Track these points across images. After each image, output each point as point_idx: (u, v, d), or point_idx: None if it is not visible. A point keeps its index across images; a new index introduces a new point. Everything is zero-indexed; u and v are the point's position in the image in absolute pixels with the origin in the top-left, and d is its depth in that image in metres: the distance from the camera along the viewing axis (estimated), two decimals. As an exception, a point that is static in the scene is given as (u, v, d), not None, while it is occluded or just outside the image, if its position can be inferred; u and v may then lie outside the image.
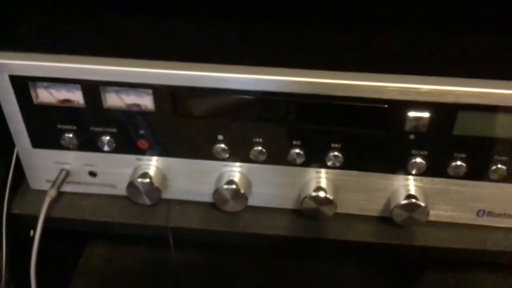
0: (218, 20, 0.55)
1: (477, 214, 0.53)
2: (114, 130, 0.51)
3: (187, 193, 0.56)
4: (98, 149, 0.53)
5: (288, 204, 0.56)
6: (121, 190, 0.55)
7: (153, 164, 0.54)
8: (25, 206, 0.56)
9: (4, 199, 0.55)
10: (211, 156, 0.52)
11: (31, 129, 0.52)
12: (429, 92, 0.45)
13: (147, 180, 0.53)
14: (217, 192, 0.53)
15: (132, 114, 0.50)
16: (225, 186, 0.52)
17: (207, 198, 0.55)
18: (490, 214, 0.53)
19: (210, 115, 0.49)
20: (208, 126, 0.50)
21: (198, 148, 0.52)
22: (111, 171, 0.55)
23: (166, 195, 0.55)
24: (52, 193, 0.53)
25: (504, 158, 0.48)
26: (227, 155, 0.52)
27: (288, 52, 0.51)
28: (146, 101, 0.49)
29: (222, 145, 0.51)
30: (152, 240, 0.61)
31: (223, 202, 0.53)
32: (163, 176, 0.54)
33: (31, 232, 0.63)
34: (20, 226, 0.57)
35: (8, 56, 0.48)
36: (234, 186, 0.52)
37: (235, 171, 0.53)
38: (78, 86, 0.48)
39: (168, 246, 0.56)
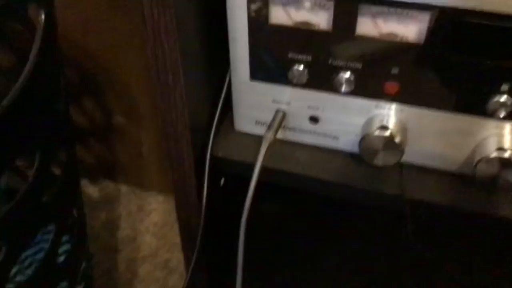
0: None
1: None
2: (359, 65, 0.40)
3: (430, 158, 0.44)
4: (331, 88, 0.42)
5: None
6: (344, 144, 0.46)
7: (395, 115, 0.42)
8: (231, 150, 0.48)
9: (209, 140, 0.47)
10: (484, 112, 0.39)
11: (254, 56, 0.43)
12: None
13: (387, 134, 0.41)
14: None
15: (387, 47, 0.39)
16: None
17: (455, 167, 0.43)
18: None
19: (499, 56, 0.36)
20: (491, 70, 0.37)
21: (470, 101, 0.39)
22: (337, 119, 0.44)
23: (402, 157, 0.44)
24: (270, 136, 0.44)
25: None
26: None
27: None
28: (410, 30, 0.38)
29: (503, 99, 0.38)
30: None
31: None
32: (405, 132, 0.43)
33: (222, 181, 0.56)
34: (218, 173, 0.50)
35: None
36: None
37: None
38: (331, 4, 0.38)
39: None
